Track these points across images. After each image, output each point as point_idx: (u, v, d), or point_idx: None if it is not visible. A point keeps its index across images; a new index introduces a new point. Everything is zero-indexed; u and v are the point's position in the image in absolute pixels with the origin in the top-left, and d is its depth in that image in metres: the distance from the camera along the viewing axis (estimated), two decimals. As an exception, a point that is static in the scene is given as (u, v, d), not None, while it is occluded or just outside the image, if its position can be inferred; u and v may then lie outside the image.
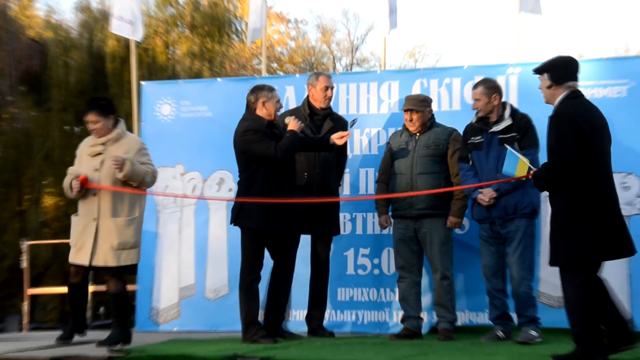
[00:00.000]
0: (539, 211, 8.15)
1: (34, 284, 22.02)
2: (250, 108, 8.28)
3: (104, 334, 9.33)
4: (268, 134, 8.09)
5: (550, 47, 49.12)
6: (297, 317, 9.52)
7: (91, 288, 15.83)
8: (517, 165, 6.82)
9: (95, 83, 25.28)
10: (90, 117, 8.22)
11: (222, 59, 27.47)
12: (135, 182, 8.09)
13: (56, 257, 25.75)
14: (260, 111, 8.21)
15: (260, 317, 8.29)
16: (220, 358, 6.42)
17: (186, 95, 10.36)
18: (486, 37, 58.29)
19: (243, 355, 6.46)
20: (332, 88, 8.87)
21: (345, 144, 8.78)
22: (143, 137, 10.38)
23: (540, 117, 8.08)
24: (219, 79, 11.35)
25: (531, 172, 6.63)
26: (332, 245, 9.49)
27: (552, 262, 6.49)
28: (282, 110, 8.77)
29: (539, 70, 6.62)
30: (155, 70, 24.36)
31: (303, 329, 9.06)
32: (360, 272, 9.59)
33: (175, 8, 27.09)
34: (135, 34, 12.00)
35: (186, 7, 27.09)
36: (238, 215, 8.18)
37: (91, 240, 8.01)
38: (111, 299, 8.35)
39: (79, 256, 8.08)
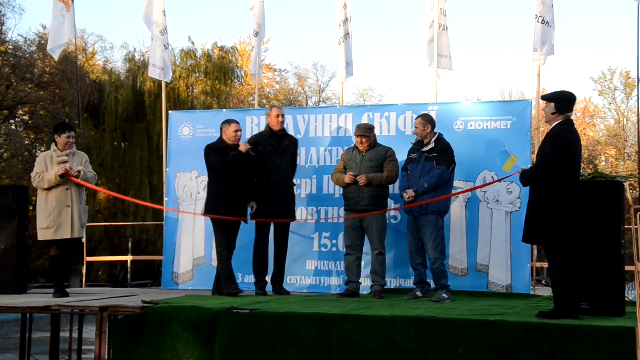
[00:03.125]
0: (445, 210, 8.12)
1: (90, 254, 21.84)
2: (220, 134, 8.66)
3: (142, 291, 9.21)
4: (220, 152, 8.43)
5: (457, 92, 49.48)
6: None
7: (130, 257, 15.72)
8: (506, 160, 6.89)
9: (136, 112, 25.23)
10: (72, 133, 8.51)
11: (227, 96, 27.42)
12: (84, 184, 8.45)
13: (106, 235, 25.65)
14: (224, 136, 8.59)
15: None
16: (221, 309, 6.34)
17: (201, 121, 10.23)
18: (414, 82, 58.61)
19: (238, 307, 6.38)
20: (282, 115, 8.89)
21: (295, 158, 9.06)
22: (169, 150, 10.34)
23: (449, 140, 8.18)
24: (224, 110, 11.24)
25: (519, 170, 6.61)
26: (302, 229, 9.48)
27: (525, 240, 6.50)
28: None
29: (546, 99, 6.46)
30: (179, 103, 24.32)
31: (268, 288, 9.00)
32: (322, 249, 9.51)
33: (194, 59, 27.00)
34: (165, 77, 11.93)
35: (202, 59, 27.02)
36: (205, 209, 8.68)
37: (69, 220, 8.24)
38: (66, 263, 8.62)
39: (59, 233, 8.24)
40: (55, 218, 8.18)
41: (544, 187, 6.19)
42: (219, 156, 8.42)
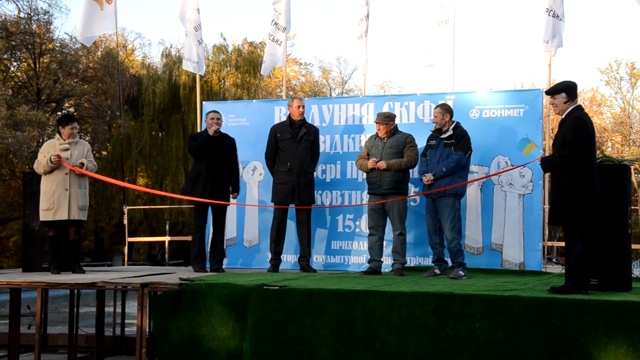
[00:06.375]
0: (462, 193, 8.08)
1: (131, 235, 22.03)
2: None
3: (179, 269, 9.26)
4: (196, 137, 8.64)
5: (473, 81, 49.10)
6: (291, 260, 9.53)
7: (167, 238, 15.83)
8: (525, 146, 6.86)
9: (172, 104, 25.34)
10: (76, 124, 8.71)
11: (256, 88, 27.43)
12: (88, 174, 8.56)
13: (146, 218, 25.86)
14: (206, 125, 8.73)
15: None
16: (253, 285, 6.36)
17: (232, 111, 10.22)
18: (432, 73, 58.31)
19: (268, 284, 6.40)
20: (302, 106, 8.94)
21: (318, 144, 9.08)
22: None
23: (465, 128, 8.12)
24: (254, 101, 11.23)
25: (538, 156, 6.55)
26: (327, 211, 9.46)
27: (553, 222, 6.42)
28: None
29: (554, 92, 6.34)
30: (212, 95, 24.37)
31: (296, 267, 9.17)
32: (346, 230, 9.50)
33: (225, 54, 27.02)
34: (199, 70, 11.98)
35: (232, 54, 27.03)
36: (182, 191, 8.87)
37: (66, 203, 8.35)
38: (73, 244, 8.61)
39: (58, 214, 8.34)
40: (54, 201, 8.33)
41: (567, 170, 6.11)
42: (193, 141, 8.63)
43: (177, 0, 11.85)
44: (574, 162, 6.05)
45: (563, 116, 6.31)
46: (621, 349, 5.25)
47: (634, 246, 7.15)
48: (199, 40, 11.86)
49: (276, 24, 11.66)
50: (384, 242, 8.60)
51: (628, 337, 5.24)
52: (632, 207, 6.89)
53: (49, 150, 8.49)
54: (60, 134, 8.61)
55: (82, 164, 8.43)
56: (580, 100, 6.53)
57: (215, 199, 8.52)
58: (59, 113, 22.84)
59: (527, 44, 53.15)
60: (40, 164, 8.40)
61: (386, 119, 8.45)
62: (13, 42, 21.20)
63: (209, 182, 8.48)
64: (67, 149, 8.47)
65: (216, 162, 8.55)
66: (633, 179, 6.82)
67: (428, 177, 7.96)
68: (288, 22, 11.72)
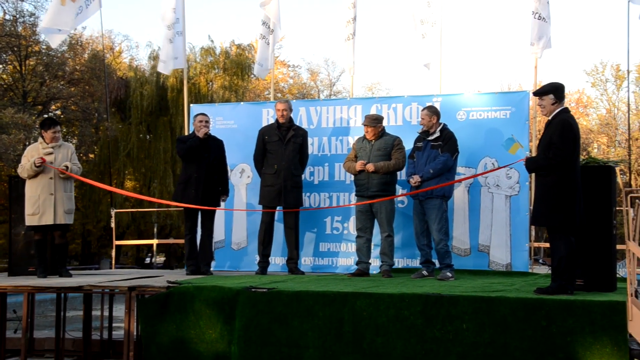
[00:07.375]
0: (449, 194, 8.12)
1: (119, 238, 21.95)
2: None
3: (167, 272, 9.23)
4: (185, 141, 8.61)
5: (460, 84, 49.35)
6: (279, 262, 9.55)
7: (155, 241, 15.79)
8: (511, 146, 6.90)
9: (160, 106, 25.30)
10: (59, 128, 8.63)
11: (244, 90, 27.42)
12: (73, 176, 8.53)
13: (133, 221, 25.79)
14: (194, 127, 8.73)
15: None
16: (241, 288, 6.37)
17: (220, 113, 10.22)
18: (419, 75, 58.43)
19: (256, 287, 6.41)
20: (285, 110, 8.89)
21: (306, 146, 9.04)
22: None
23: (452, 130, 8.16)
24: (242, 103, 11.23)
25: (523, 157, 6.61)
26: (315, 213, 9.48)
27: (535, 223, 6.45)
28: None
29: (543, 93, 6.37)
30: (199, 97, 24.36)
31: (284, 269, 9.17)
32: (334, 232, 9.51)
33: (213, 57, 27.00)
34: (166, 69, 12.09)
35: (220, 56, 27.02)
36: (174, 195, 8.81)
37: (52, 208, 8.30)
38: (59, 247, 8.57)
39: (43, 219, 8.30)
40: (39, 205, 8.29)
41: (552, 172, 6.15)
42: (181, 144, 8.62)
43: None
44: (559, 164, 6.09)
45: (550, 117, 6.34)
46: (606, 348, 5.30)
47: (619, 246, 7.19)
48: (169, 39, 11.81)
49: (268, 26, 11.68)
50: (372, 244, 8.62)
51: (613, 337, 5.30)
52: (617, 208, 6.94)
53: (32, 154, 8.43)
54: (43, 137, 8.55)
55: (67, 167, 8.38)
56: (566, 102, 6.57)
57: (206, 201, 8.51)
58: (46, 116, 22.79)
59: (513, 46, 53.48)
60: (24, 168, 8.34)
61: (374, 121, 8.47)
62: (-1, 45, 21.12)
63: (200, 185, 8.45)
64: (50, 153, 8.40)
65: (206, 164, 8.53)
66: (618, 180, 6.87)
67: (415, 179, 7.99)
68: (277, 25, 11.72)
